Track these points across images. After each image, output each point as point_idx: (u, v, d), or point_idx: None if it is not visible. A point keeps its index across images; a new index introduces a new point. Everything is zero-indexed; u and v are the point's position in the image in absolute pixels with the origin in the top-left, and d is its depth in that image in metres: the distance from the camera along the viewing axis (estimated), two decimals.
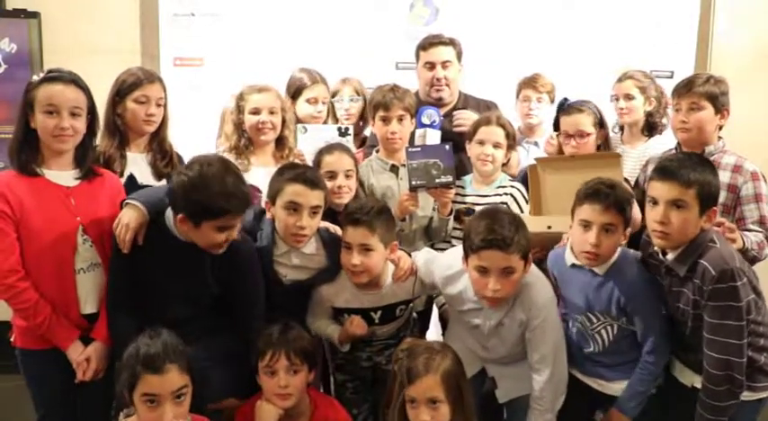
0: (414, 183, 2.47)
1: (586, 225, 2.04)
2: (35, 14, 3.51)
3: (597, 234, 2.02)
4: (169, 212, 2.07)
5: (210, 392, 2.06)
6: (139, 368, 1.75)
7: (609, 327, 2.12)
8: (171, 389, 1.76)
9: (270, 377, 2.02)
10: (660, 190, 1.95)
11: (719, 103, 2.38)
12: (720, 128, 2.44)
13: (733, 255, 1.95)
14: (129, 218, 2.03)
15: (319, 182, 2.21)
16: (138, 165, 2.43)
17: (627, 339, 2.14)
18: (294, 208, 2.17)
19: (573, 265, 2.14)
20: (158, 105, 2.42)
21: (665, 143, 2.74)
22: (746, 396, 1.96)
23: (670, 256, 1.99)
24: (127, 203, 2.08)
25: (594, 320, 2.13)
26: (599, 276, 2.10)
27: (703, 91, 2.36)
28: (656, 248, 2.05)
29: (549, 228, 2.32)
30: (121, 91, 2.39)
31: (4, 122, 3.44)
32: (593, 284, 2.11)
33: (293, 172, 2.20)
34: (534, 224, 2.18)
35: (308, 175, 2.19)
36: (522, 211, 2.52)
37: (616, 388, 2.17)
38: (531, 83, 3.28)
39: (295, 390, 2.03)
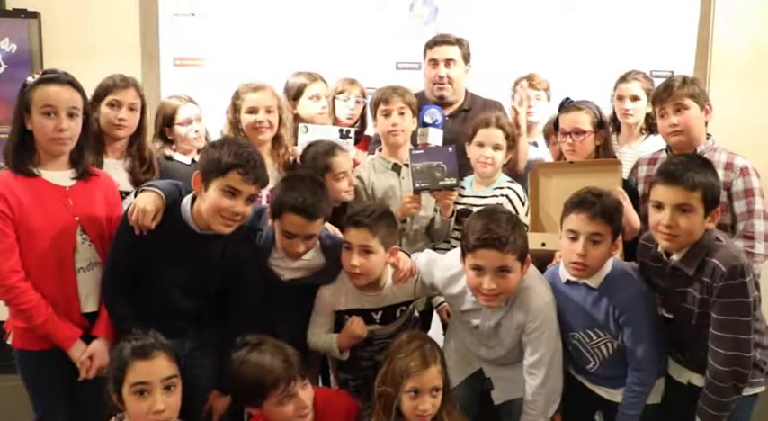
0: (417, 185, 2.47)
1: (573, 235, 2.04)
2: (35, 14, 3.51)
3: (584, 244, 2.01)
4: (185, 201, 2.09)
5: (202, 386, 2.14)
6: (128, 356, 1.78)
7: (609, 344, 2.12)
8: (160, 376, 1.78)
9: (285, 405, 1.94)
10: (665, 194, 1.95)
11: (702, 99, 2.40)
12: (706, 124, 2.45)
13: (740, 252, 1.97)
14: (144, 202, 2.04)
15: (318, 210, 2.14)
16: (115, 170, 2.44)
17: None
18: (290, 236, 2.17)
19: (568, 281, 2.14)
20: (131, 110, 2.43)
21: (660, 142, 2.74)
22: (743, 391, 1.97)
23: (676, 257, 2.00)
24: (142, 190, 2.09)
25: (594, 337, 2.12)
26: (594, 290, 2.09)
27: (685, 92, 2.38)
28: (660, 250, 2.05)
29: (544, 245, 2.33)
30: (98, 95, 2.42)
31: (3, 122, 3.44)
32: (589, 300, 2.10)
33: (294, 197, 2.13)
34: (530, 241, 2.17)
35: (308, 205, 2.12)
36: (516, 213, 2.51)
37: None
38: (528, 81, 3.29)
39: (311, 402, 2.00)
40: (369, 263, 2.20)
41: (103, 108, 2.41)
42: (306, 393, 1.97)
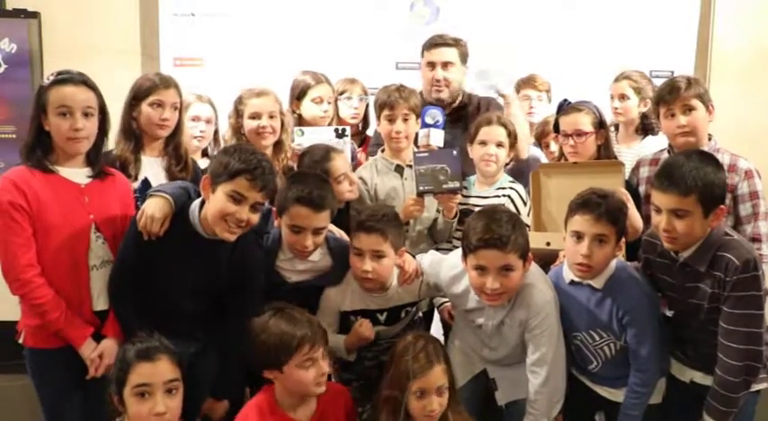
0: (421, 188, 2.47)
1: (578, 236, 2.04)
2: (35, 14, 3.50)
3: (589, 245, 2.02)
4: (193, 206, 2.09)
5: (205, 387, 2.16)
6: (131, 358, 1.79)
7: (612, 344, 2.13)
8: (163, 379, 1.79)
9: (307, 370, 1.93)
10: (660, 199, 1.95)
11: (706, 100, 2.40)
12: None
13: (752, 246, 2.00)
14: (153, 209, 2.04)
15: (324, 201, 2.15)
16: (152, 169, 2.45)
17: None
18: (297, 230, 2.16)
19: (572, 282, 2.14)
20: (174, 109, 2.43)
21: (660, 143, 2.75)
22: None
23: (685, 254, 2.00)
24: (151, 195, 2.09)
25: (597, 338, 2.13)
26: (598, 291, 2.09)
27: (692, 93, 2.37)
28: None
29: (548, 244, 2.33)
30: (138, 95, 2.41)
31: (4, 122, 3.44)
32: (592, 300, 2.11)
33: (300, 189, 2.15)
34: (533, 240, 2.19)
35: (314, 196, 2.14)
36: (518, 213, 2.51)
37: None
38: (530, 82, 3.32)
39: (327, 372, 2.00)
40: (381, 267, 2.21)
41: (144, 108, 2.41)
42: (325, 363, 1.96)
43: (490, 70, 2.85)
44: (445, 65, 2.88)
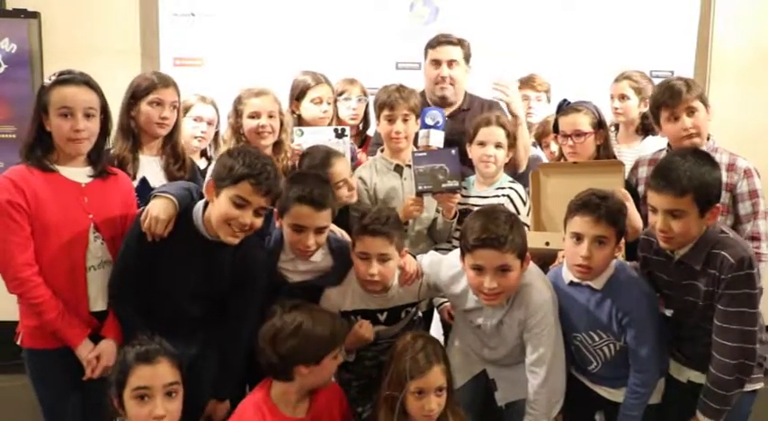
0: (420, 188, 2.47)
1: (578, 237, 2.04)
2: (35, 14, 3.51)
3: (588, 246, 2.01)
4: (197, 207, 2.09)
5: (206, 389, 2.16)
6: (131, 360, 1.78)
7: (611, 345, 2.12)
8: (163, 382, 1.78)
9: (338, 357, 2.04)
10: (656, 200, 1.95)
11: (705, 100, 2.40)
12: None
13: (747, 244, 2.00)
14: (158, 210, 2.03)
15: (326, 200, 2.15)
16: (151, 167, 2.44)
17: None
18: (299, 230, 2.16)
19: (571, 283, 2.14)
20: (173, 108, 2.44)
21: (660, 143, 2.74)
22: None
23: (681, 252, 2.00)
24: (155, 196, 2.09)
25: (597, 338, 2.13)
26: (598, 292, 2.09)
27: (694, 95, 2.37)
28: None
29: (548, 244, 2.33)
30: (136, 94, 2.41)
31: (4, 122, 3.45)
32: (592, 301, 2.10)
33: (301, 189, 2.15)
34: (533, 240, 2.19)
35: (315, 195, 2.13)
36: (518, 213, 2.51)
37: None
38: (529, 82, 3.31)
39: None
40: (386, 269, 2.21)
41: (144, 106, 2.40)
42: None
43: (506, 82, 2.83)
44: (450, 63, 2.88)
